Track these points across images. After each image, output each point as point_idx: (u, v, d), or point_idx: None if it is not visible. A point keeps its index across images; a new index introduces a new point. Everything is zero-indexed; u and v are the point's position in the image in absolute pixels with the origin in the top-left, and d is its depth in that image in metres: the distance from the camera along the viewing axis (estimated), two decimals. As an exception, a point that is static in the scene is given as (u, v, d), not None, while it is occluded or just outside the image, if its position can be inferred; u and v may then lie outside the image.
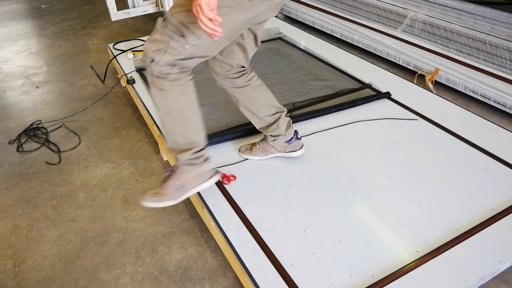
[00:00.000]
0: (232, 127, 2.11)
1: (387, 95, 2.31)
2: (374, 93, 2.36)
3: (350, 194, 1.68)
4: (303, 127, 2.08)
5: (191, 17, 1.25)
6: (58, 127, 2.64)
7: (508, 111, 2.51)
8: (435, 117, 2.13)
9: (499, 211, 1.57)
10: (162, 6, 3.83)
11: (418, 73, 2.96)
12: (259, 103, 1.73)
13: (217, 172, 1.72)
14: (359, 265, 1.39)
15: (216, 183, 1.73)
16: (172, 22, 1.30)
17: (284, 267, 1.38)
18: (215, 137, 1.98)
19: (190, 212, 1.94)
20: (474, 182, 1.72)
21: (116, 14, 3.66)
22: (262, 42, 3.15)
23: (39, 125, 2.66)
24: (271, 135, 1.82)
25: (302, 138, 1.98)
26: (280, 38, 3.19)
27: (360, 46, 3.43)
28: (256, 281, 1.33)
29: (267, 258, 1.41)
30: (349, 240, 1.48)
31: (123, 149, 2.40)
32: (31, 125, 2.67)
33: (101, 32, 4.27)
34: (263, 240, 1.47)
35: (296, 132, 1.84)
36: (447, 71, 2.81)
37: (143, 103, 2.40)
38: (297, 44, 3.06)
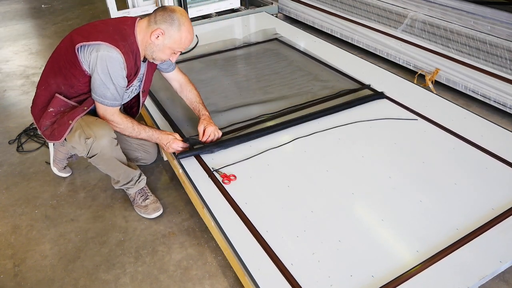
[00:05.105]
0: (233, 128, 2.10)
1: (381, 96, 2.30)
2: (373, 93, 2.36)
3: (350, 194, 1.68)
4: (303, 126, 2.08)
5: None
6: (58, 127, 2.64)
7: (508, 111, 2.50)
8: (435, 117, 2.13)
9: (499, 211, 1.57)
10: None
11: (418, 73, 2.96)
12: None
13: None
14: (359, 265, 1.39)
15: (216, 183, 1.73)
16: None
17: (285, 267, 1.38)
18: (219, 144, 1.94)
19: (190, 212, 1.94)
20: (474, 182, 1.72)
21: (116, 14, 3.66)
22: (260, 43, 3.14)
23: (39, 125, 2.66)
24: None
25: (302, 138, 1.99)
26: (276, 39, 3.18)
27: (360, 46, 3.43)
28: (256, 281, 1.33)
29: (267, 258, 1.41)
30: (349, 240, 1.48)
31: (123, 149, 2.40)
32: (31, 125, 2.67)
33: (101, 32, 4.26)
34: (263, 240, 1.47)
35: None
36: (447, 71, 2.81)
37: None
38: (294, 45, 3.06)
